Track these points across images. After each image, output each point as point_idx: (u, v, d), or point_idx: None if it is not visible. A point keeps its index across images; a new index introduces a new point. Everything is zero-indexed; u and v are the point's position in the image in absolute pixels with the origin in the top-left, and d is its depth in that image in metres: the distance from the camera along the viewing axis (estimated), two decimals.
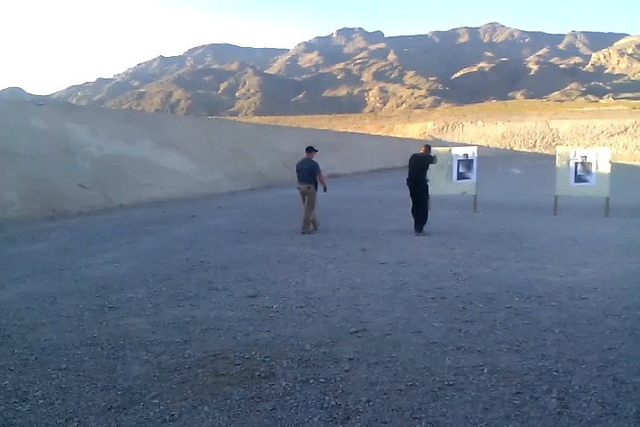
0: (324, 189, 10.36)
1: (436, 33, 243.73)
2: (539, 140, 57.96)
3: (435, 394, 3.44)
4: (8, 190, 11.96)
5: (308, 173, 10.22)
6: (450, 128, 64.21)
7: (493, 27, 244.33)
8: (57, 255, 7.96)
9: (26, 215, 11.64)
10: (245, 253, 8.06)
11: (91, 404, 3.32)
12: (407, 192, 10.40)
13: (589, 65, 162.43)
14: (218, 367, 3.86)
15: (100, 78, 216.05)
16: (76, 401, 3.36)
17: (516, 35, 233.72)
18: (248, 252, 8.19)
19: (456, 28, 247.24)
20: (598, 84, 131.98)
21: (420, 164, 10.34)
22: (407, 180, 10.33)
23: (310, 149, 10.53)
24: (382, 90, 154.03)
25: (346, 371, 3.79)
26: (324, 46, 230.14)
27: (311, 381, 3.63)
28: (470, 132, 61.94)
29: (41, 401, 3.36)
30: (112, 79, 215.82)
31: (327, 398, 3.39)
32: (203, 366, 3.88)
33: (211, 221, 11.58)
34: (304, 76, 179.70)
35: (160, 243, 9.00)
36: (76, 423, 3.08)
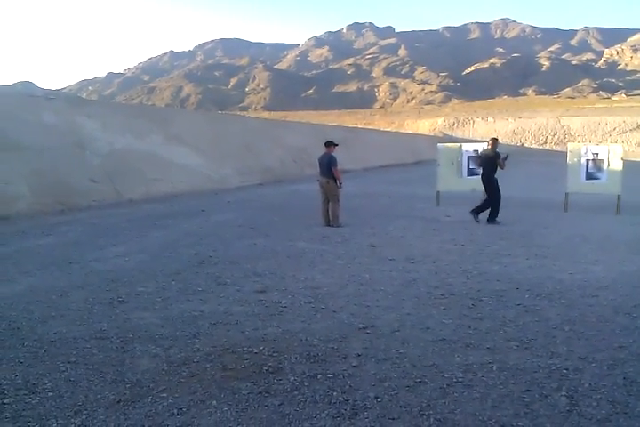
0: (339, 185, 10.35)
1: (448, 28, 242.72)
2: (550, 137, 57.66)
3: (443, 391, 3.42)
4: (19, 184, 12.01)
5: (327, 167, 10.28)
6: (460, 124, 63.97)
7: (505, 22, 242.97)
8: (67, 249, 7.99)
9: (36, 209, 11.69)
10: (254, 249, 8.06)
11: (99, 397, 3.33)
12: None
13: (602, 61, 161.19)
14: (226, 362, 3.86)
15: (111, 73, 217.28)
16: (85, 394, 3.37)
17: (527, 30, 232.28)
18: (257, 247, 8.19)
19: (467, 24, 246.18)
20: (611, 81, 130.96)
21: (486, 160, 10.90)
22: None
23: (329, 144, 10.58)
24: (393, 85, 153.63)
25: (354, 367, 3.78)
26: (334, 41, 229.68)
27: (319, 376, 3.63)
28: (481, 129, 61.67)
29: (50, 394, 3.37)
30: (122, 74, 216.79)
31: (335, 393, 3.38)
32: (211, 361, 3.88)
33: (220, 215, 11.59)
34: (314, 72, 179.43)
35: (169, 237, 9.01)
36: (84, 416, 3.09)
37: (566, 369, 3.76)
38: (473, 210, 10.83)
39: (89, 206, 12.80)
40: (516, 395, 3.37)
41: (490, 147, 10.96)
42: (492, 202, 10.74)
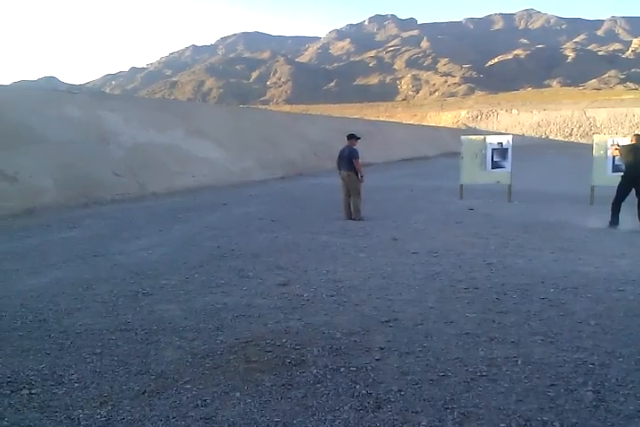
0: (361, 178, 10.29)
1: (471, 20, 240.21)
2: (575, 129, 56.83)
3: (467, 385, 3.40)
4: (43, 177, 12.18)
5: (347, 160, 10.24)
6: (484, 116, 63.35)
7: (529, 13, 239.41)
8: (91, 242, 8.09)
9: (60, 202, 11.85)
10: (276, 242, 8.07)
11: (125, 388, 3.37)
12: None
13: (630, 51, 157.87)
14: (249, 354, 3.87)
15: (134, 67, 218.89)
16: (111, 385, 3.41)
17: (552, 21, 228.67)
18: (279, 240, 8.20)
19: (491, 15, 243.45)
20: (638, 72, 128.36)
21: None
22: (625, 175, 9.82)
23: (351, 137, 10.53)
24: (415, 78, 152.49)
25: (377, 360, 3.77)
26: (355, 34, 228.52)
27: (342, 369, 3.62)
28: (505, 121, 61.03)
29: (76, 385, 3.41)
30: (145, 68, 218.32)
31: (358, 386, 3.38)
32: (234, 353, 3.90)
33: (242, 209, 11.63)
34: (335, 65, 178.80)
35: (192, 230, 9.07)
36: (110, 407, 3.13)
37: (592, 364, 3.70)
38: None
39: (112, 200, 12.94)
40: (541, 389, 3.33)
41: (634, 142, 9.91)
42: None
